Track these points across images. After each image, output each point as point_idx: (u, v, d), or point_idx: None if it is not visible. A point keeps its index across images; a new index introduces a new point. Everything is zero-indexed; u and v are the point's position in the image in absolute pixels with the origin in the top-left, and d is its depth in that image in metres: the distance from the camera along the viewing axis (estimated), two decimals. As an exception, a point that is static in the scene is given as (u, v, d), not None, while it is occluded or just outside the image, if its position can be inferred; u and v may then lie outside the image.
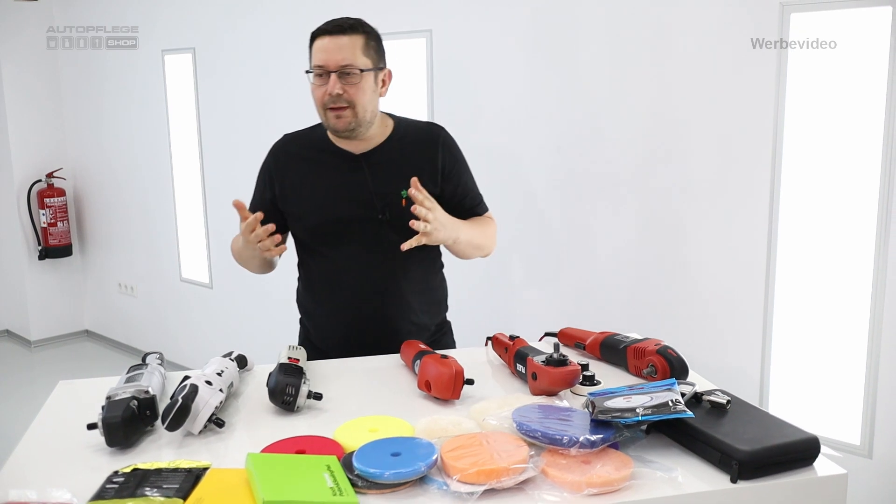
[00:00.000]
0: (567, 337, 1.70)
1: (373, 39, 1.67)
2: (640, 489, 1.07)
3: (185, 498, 1.03)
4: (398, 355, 1.63)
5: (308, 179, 1.73)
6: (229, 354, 1.51)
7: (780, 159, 2.12)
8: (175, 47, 4.09)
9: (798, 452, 1.14)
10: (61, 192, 4.87)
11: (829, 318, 2.11)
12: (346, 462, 1.11)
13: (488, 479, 1.05)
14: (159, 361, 1.51)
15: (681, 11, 2.30)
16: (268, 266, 1.84)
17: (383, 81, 1.71)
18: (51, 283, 5.01)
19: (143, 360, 1.50)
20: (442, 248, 1.87)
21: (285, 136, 1.82)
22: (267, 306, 3.82)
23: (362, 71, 1.63)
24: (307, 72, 1.67)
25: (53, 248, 4.88)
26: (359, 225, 1.70)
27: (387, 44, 1.74)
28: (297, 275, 1.88)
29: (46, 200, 4.81)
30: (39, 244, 4.87)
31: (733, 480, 1.09)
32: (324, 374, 1.57)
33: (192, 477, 1.09)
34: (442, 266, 1.90)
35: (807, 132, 2.09)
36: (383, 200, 1.69)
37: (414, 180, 1.56)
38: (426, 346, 1.58)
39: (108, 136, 4.70)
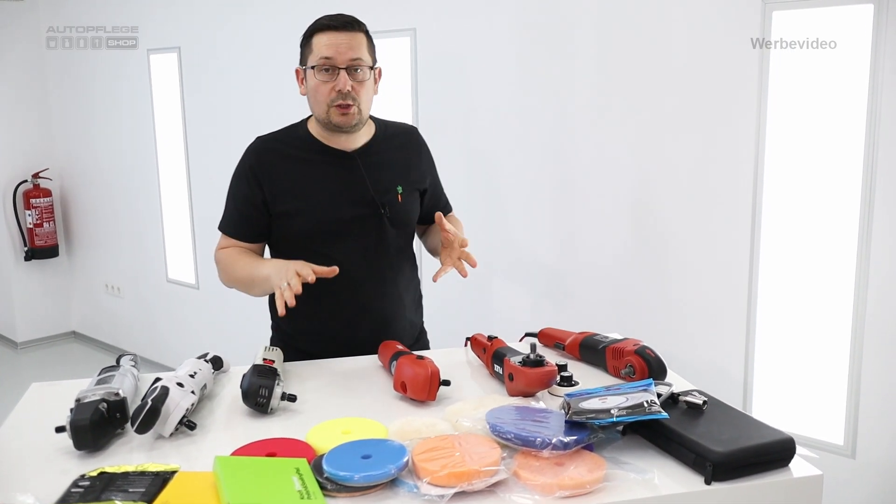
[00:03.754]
0: (547, 337, 1.68)
1: (369, 38, 1.65)
2: (612, 491, 1.06)
3: (150, 502, 1.01)
4: (375, 356, 1.62)
5: (301, 178, 1.66)
6: (204, 356, 1.49)
7: (762, 158, 2.12)
8: (160, 46, 4.06)
9: (773, 453, 1.13)
10: (47, 193, 4.83)
11: (812, 318, 2.10)
12: (317, 465, 1.10)
13: (459, 481, 1.03)
14: (133, 363, 1.48)
15: (663, 10, 2.29)
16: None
17: (375, 79, 1.68)
18: (37, 284, 4.97)
19: (117, 361, 1.48)
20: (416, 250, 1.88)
21: (260, 137, 1.72)
22: (253, 307, 3.79)
23: (371, 68, 1.62)
24: (310, 67, 1.60)
25: (40, 249, 4.84)
26: (360, 222, 1.67)
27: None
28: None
29: (32, 201, 4.77)
30: (25, 245, 4.83)
31: (707, 482, 1.08)
32: (299, 375, 1.55)
33: (160, 480, 1.07)
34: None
35: (790, 129, 2.08)
36: (383, 197, 1.68)
37: (438, 214, 1.59)
38: (404, 346, 1.56)
39: (95, 137, 4.66)
